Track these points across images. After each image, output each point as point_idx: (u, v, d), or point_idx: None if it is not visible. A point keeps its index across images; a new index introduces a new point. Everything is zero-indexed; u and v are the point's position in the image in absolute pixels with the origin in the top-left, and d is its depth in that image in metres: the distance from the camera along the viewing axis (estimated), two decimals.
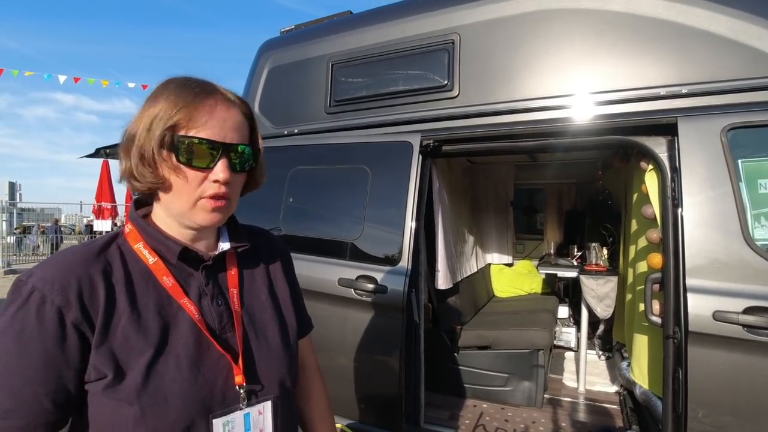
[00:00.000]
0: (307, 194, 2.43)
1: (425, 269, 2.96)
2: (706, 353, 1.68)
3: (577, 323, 3.31)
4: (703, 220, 1.73)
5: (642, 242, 2.24)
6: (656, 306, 1.92)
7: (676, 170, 1.80)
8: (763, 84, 1.80)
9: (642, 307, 2.11)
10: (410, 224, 2.12)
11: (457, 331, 2.76)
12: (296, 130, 2.69)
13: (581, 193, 4.26)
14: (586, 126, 2.03)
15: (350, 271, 2.19)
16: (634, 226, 2.43)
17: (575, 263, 3.36)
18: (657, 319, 1.89)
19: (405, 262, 2.10)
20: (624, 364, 2.77)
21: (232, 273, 0.79)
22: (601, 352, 3.61)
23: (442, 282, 2.76)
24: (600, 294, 2.78)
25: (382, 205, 2.21)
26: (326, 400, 1.01)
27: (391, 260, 2.13)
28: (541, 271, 3.37)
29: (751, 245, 1.66)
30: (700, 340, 1.68)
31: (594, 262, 2.96)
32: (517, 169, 4.09)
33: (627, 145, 2.00)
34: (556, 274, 3.46)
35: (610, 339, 3.49)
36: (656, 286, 1.91)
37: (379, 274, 2.13)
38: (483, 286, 3.71)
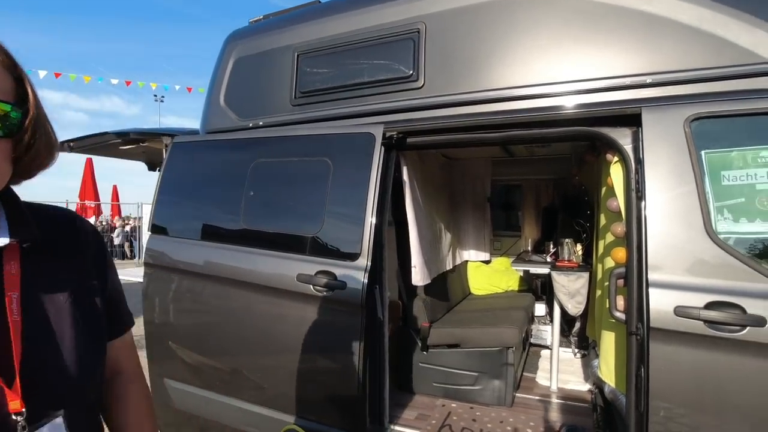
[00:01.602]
0: (268, 188, 2.35)
1: (395, 265, 2.91)
2: (668, 350, 1.63)
3: (553, 321, 3.26)
4: (666, 213, 1.68)
5: (609, 237, 2.19)
6: (620, 301, 1.87)
7: (640, 162, 1.76)
8: (727, 73, 1.76)
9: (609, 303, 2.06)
10: (371, 219, 2.05)
11: (426, 330, 2.69)
12: (261, 123, 2.61)
13: (558, 189, 4.21)
14: (552, 117, 1.97)
15: (309, 266, 2.11)
16: (602, 220, 2.39)
17: (549, 260, 3.31)
18: (621, 315, 1.84)
19: (365, 258, 2.03)
20: (595, 362, 2.72)
21: (12, 272, 0.63)
22: (577, 350, 3.57)
23: (419, 278, 2.68)
24: (571, 290, 2.73)
25: (342, 199, 2.14)
26: (146, 407, 0.88)
27: (351, 255, 2.06)
28: (513, 268, 3.31)
29: (713, 238, 1.61)
30: (662, 337, 1.63)
31: (566, 258, 2.91)
32: (494, 165, 4.04)
33: (593, 137, 1.94)
34: (531, 271, 3.40)
35: (586, 336, 3.45)
36: (620, 281, 1.86)
37: (338, 269, 2.06)
38: (458, 284, 3.66)
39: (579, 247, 3.08)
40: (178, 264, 2.48)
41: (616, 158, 1.93)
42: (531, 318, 3.61)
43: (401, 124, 2.20)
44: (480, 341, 2.64)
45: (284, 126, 2.52)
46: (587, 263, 3.04)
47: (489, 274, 3.96)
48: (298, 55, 2.54)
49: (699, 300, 1.59)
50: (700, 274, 1.62)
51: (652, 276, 1.66)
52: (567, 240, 2.95)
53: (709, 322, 1.56)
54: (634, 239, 1.75)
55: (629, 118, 1.82)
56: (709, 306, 1.57)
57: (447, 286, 3.34)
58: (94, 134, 2.81)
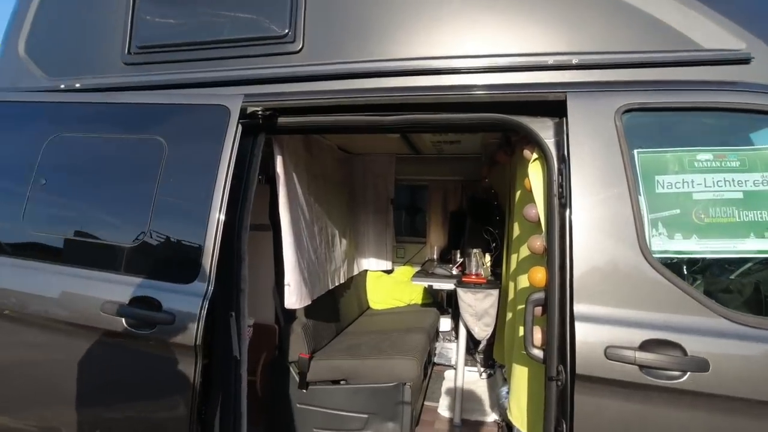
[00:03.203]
0: (70, 175, 1.64)
1: (271, 282, 2.32)
2: (598, 403, 1.27)
3: (459, 342, 2.90)
4: (594, 226, 1.32)
5: (524, 251, 1.82)
6: (537, 335, 1.48)
7: (564, 160, 1.39)
8: (661, 59, 1.46)
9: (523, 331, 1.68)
10: (218, 217, 1.45)
11: (305, 362, 2.15)
12: (78, 85, 1.87)
13: (467, 192, 3.92)
14: (462, 98, 1.56)
15: (122, 290, 1.45)
16: (516, 230, 2.03)
17: (455, 271, 2.94)
18: (538, 353, 1.46)
19: (205, 278, 1.43)
20: (503, 391, 2.38)
21: None
22: (482, 369, 3.26)
23: (295, 299, 2.11)
24: (479, 311, 2.37)
25: (178, 194, 1.52)
26: None
27: (185, 275, 1.44)
28: (414, 282, 2.90)
29: (648, 258, 1.29)
30: (591, 386, 1.26)
31: (474, 271, 2.54)
32: (398, 163, 3.61)
33: (508, 126, 1.55)
34: (435, 287, 3.00)
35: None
36: (538, 310, 1.48)
37: (165, 294, 1.43)
38: (354, 299, 3.16)
39: (488, 258, 2.75)
40: None
41: (535, 155, 1.56)
42: (435, 335, 3.23)
43: (269, 98, 1.65)
44: (371, 376, 2.15)
45: (112, 91, 1.83)
46: (496, 276, 2.71)
47: (390, 286, 3.52)
48: None
49: (634, 338, 1.25)
50: (634, 305, 1.28)
51: (579, 307, 1.29)
52: (475, 251, 2.59)
53: (645, 367, 1.22)
54: (557, 258, 1.38)
55: (552, 105, 1.46)
56: (644, 345, 1.24)
57: (338, 303, 2.82)
58: None
